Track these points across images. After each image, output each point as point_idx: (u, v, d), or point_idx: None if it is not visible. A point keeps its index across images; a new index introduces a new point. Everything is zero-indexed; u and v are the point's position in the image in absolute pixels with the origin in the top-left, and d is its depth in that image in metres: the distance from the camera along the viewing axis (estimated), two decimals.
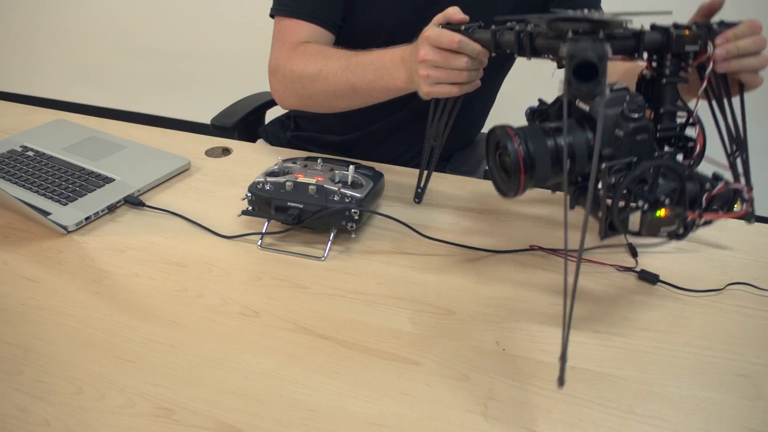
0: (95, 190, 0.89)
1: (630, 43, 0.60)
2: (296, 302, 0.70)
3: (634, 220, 0.58)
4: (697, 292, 0.72)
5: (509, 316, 0.68)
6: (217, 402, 0.57)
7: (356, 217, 0.77)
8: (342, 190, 0.78)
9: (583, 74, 0.47)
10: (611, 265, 0.76)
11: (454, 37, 0.71)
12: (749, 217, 0.63)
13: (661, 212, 0.56)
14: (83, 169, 0.94)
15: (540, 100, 0.74)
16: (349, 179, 0.81)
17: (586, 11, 0.60)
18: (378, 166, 0.92)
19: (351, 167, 0.82)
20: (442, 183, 0.96)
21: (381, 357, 0.63)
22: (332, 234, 0.79)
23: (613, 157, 0.61)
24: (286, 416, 0.56)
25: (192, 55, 2.49)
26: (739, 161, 0.67)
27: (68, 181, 0.91)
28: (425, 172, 0.88)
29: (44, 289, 0.71)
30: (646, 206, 0.57)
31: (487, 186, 0.95)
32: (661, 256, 0.78)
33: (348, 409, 0.57)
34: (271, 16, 1.00)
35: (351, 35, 0.98)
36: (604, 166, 0.59)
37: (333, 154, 1.09)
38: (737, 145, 0.67)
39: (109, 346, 0.64)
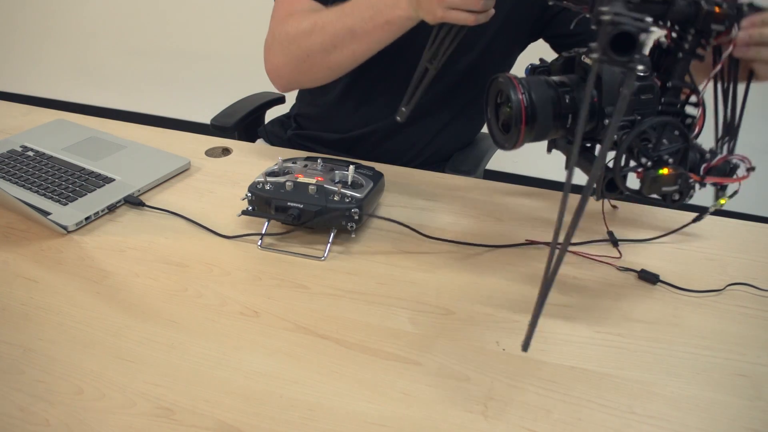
0: (95, 190, 0.89)
1: (658, 9, 0.58)
2: (296, 302, 0.70)
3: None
4: (697, 292, 0.72)
5: (509, 316, 0.68)
6: (217, 402, 0.57)
7: (356, 217, 0.77)
8: (342, 190, 0.78)
9: (617, 44, 0.46)
10: (611, 264, 0.76)
11: None
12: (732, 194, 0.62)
13: (664, 171, 0.56)
14: (83, 169, 0.94)
15: (541, 59, 0.73)
16: (349, 179, 0.81)
17: None
18: (378, 166, 0.92)
19: (351, 167, 0.82)
20: (442, 183, 0.96)
21: (381, 357, 0.63)
22: (332, 234, 0.79)
23: None
24: (286, 416, 0.56)
25: (192, 55, 2.49)
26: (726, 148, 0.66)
27: (68, 181, 0.91)
28: (414, 91, 0.82)
29: (44, 289, 0.71)
30: (649, 164, 0.56)
31: (487, 186, 0.96)
32: (661, 256, 0.78)
33: (348, 409, 0.57)
34: None
35: None
36: (607, 122, 0.58)
37: (334, 152, 1.09)
38: (729, 131, 0.66)
39: (109, 346, 0.64)
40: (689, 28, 0.60)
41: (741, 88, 0.66)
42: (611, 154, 0.60)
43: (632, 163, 0.60)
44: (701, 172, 0.58)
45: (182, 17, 2.41)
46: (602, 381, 0.60)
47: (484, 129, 1.25)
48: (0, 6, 2.70)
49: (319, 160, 0.86)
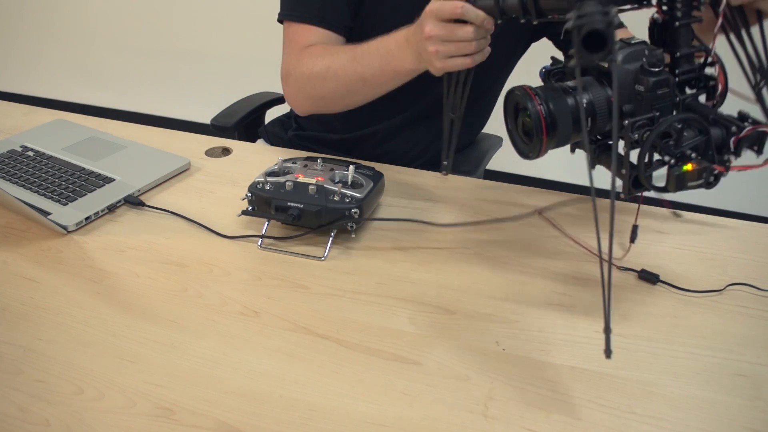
0: (95, 190, 0.89)
1: None
2: (296, 302, 0.70)
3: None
4: (697, 292, 0.72)
5: (509, 316, 0.68)
6: (217, 402, 0.57)
7: (356, 217, 0.77)
8: (342, 190, 0.78)
9: (593, 42, 0.46)
10: (611, 264, 0.76)
11: (456, 5, 0.70)
12: None
13: (688, 167, 0.55)
14: (83, 169, 0.94)
15: (553, 58, 0.73)
16: (349, 179, 0.81)
17: None
18: (378, 166, 0.92)
19: (351, 167, 0.82)
20: (443, 183, 0.96)
21: (381, 357, 0.63)
22: (332, 234, 0.79)
23: (634, 113, 0.60)
24: (286, 416, 0.56)
25: (192, 55, 2.49)
26: (765, 91, 0.63)
27: (68, 181, 0.91)
28: (449, 146, 0.86)
29: (44, 289, 0.71)
30: (672, 161, 0.56)
31: (487, 186, 0.95)
32: (661, 255, 0.78)
33: (348, 409, 0.57)
34: (279, 21, 1.00)
35: (359, 39, 0.98)
36: (626, 122, 0.58)
37: (335, 153, 1.08)
38: (762, 74, 0.63)
39: (109, 346, 0.64)
40: None
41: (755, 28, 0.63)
42: (636, 151, 0.60)
43: (656, 158, 0.59)
44: (732, 146, 0.57)
45: (182, 17, 2.41)
46: (602, 381, 0.60)
47: (484, 129, 1.25)
48: (0, 6, 2.70)
49: (319, 160, 0.86)
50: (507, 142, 1.17)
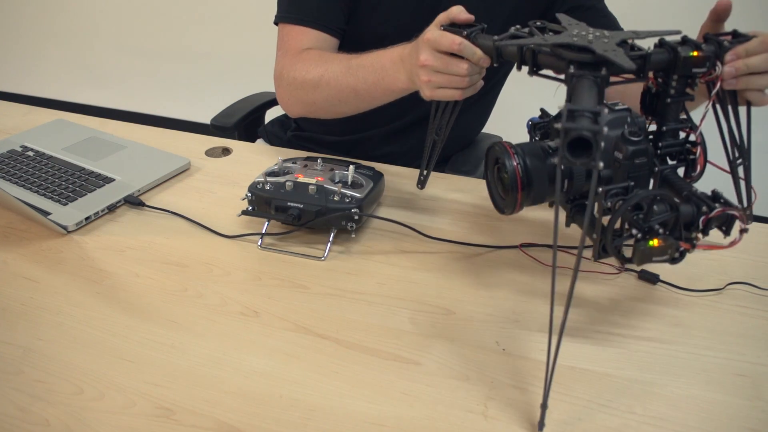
0: (95, 190, 0.89)
1: (636, 63, 0.59)
2: (296, 302, 0.70)
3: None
4: (697, 292, 0.72)
5: (509, 316, 0.68)
6: (217, 402, 0.57)
7: (356, 217, 0.77)
8: (342, 190, 0.78)
9: (578, 143, 0.47)
10: (611, 264, 0.76)
11: (454, 40, 0.70)
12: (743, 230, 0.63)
13: (654, 242, 0.56)
14: (83, 169, 0.94)
15: (542, 110, 0.74)
16: (349, 179, 0.81)
17: (598, 33, 0.59)
18: (378, 166, 0.92)
19: (351, 167, 0.82)
20: (442, 183, 0.96)
21: (381, 357, 0.63)
22: (332, 234, 0.79)
23: (610, 180, 0.61)
24: (286, 416, 0.56)
25: (192, 55, 2.49)
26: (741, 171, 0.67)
27: (68, 181, 0.91)
28: (427, 163, 0.87)
29: (44, 289, 0.71)
30: (639, 235, 0.57)
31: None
32: None
33: (348, 409, 0.57)
34: (276, 23, 1.00)
35: (353, 42, 0.98)
36: (600, 190, 0.59)
37: (333, 154, 1.09)
38: (740, 152, 0.66)
39: (109, 346, 0.64)
40: (671, 73, 0.61)
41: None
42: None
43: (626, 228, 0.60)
44: (700, 225, 0.59)
45: (182, 17, 2.41)
46: (602, 381, 0.60)
47: (484, 129, 1.25)
48: (0, 6, 2.70)
49: (319, 160, 0.86)
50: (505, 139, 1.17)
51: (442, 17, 0.73)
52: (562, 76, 0.60)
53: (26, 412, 0.56)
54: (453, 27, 0.73)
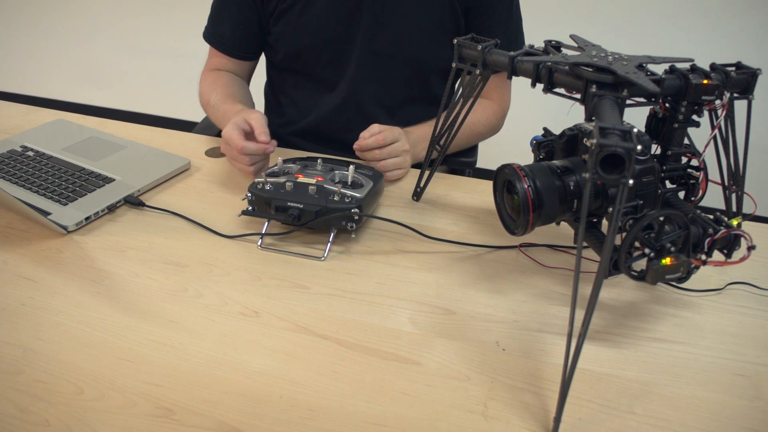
0: (95, 190, 0.89)
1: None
2: (296, 302, 0.70)
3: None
4: (698, 292, 0.72)
5: (509, 316, 0.68)
6: (217, 402, 0.57)
7: (356, 217, 0.77)
8: (342, 191, 0.78)
9: (606, 163, 0.48)
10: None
11: (237, 146, 0.85)
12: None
13: (667, 260, 0.57)
14: (83, 169, 0.94)
15: (545, 130, 0.75)
16: (349, 179, 0.81)
17: (617, 55, 0.61)
18: None
19: (351, 167, 0.82)
20: (442, 183, 0.96)
21: (381, 357, 0.63)
22: (332, 234, 0.79)
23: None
24: (286, 416, 0.56)
25: (192, 55, 2.48)
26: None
27: (68, 181, 0.91)
28: (426, 172, 0.89)
29: (44, 289, 0.71)
30: (652, 254, 0.58)
31: (486, 186, 0.96)
32: None
33: (348, 409, 0.57)
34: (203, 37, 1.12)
35: (278, 44, 1.07)
36: (610, 210, 0.59)
37: (327, 147, 1.09)
38: (734, 181, 0.69)
39: (109, 346, 0.64)
40: (681, 100, 0.63)
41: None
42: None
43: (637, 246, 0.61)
44: (705, 246, 0.60)
45: (182, 17, 2.41)
46: (602, 381, 0.60)
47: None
48: (0, 6, 2.70)
49: (319, 160, 0.86)
50: (499, 137, 1.17)
51: (240, 121, 0.88)
52: (576, 95, 0.62)
53: (26, 412, 0.56)
54: (471, 40, 0.74)
